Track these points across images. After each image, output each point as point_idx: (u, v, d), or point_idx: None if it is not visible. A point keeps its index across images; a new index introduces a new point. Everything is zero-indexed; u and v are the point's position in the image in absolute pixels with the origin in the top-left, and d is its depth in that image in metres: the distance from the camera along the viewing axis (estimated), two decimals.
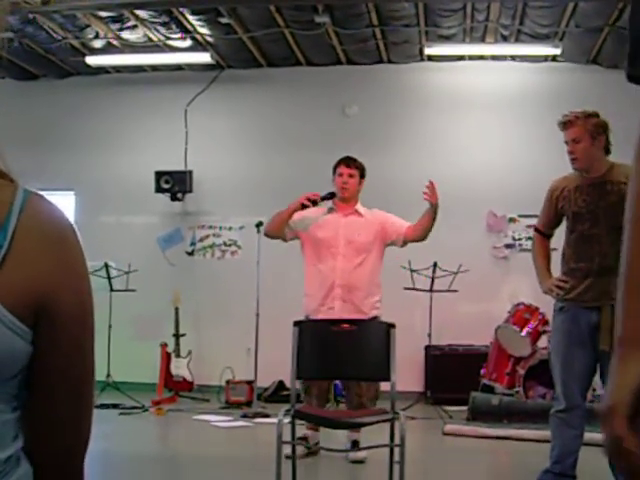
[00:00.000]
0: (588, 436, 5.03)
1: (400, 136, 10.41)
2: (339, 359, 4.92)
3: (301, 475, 4.88)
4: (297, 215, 6.28)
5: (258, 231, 8.51)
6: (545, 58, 10.24)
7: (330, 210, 6.33)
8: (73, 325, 1.27)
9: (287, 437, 6.15)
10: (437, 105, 10.46)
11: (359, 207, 6.38)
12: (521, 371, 8.49)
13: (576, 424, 4.81)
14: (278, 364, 9.09)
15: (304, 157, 10.00)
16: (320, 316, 5.91)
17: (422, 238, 6.38)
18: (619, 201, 4.66)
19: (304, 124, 10.30)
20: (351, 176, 6.29)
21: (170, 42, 9.53)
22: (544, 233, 5.07)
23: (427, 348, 9.66)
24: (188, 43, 9.55)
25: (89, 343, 1.32)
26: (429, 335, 9.50)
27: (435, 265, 9.40)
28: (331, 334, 4.95)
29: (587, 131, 4.78)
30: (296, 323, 4.89)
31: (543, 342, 8.60)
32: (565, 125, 4.86)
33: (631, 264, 1.58)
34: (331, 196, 6.32)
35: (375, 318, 6.02)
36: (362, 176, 6.39)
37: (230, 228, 10.42)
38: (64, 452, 1.32)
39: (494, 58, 10.31)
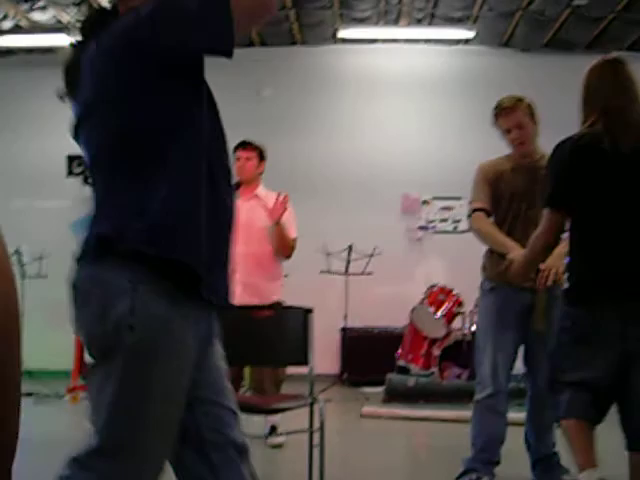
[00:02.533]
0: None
1: (314, 118, 10.41)
2: (255, 345, 4.90)
3: None
4: None
5: None
6: (458, 41, 10.34)
7: None
8: None
9: None
10: (351, 88, 10.48)
11: (259, 191, 6.24)
12: (436, 352, 8.59)
13: (502, 409, 4.81)
14: None
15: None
16: None
17: (285, 257, 6.14)
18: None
19: (219, 106, 10.21)
20: (248, 159, 6.16)
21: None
22: (487, 211, 4.85)
23: (343, 330, 9.70)
24: None
25: (15, 335, 1.27)
26: (345, 317, 9.54)
27: (350, 248, 9.43)
28: (246, 320, 4.92)
29: (528, 115, 4.76)
30: None
31: (458, 323, 8.71)
32: (507, 111, 4.77)
33: None
34: (237, 186, 6.18)
35: (277, 303, 5.96)
36: (262, 158, 6.24)
37: None
38: None
39: (408, 41, 10.36)
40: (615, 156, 3.67)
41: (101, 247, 2.27)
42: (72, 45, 2.49)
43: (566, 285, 3.94)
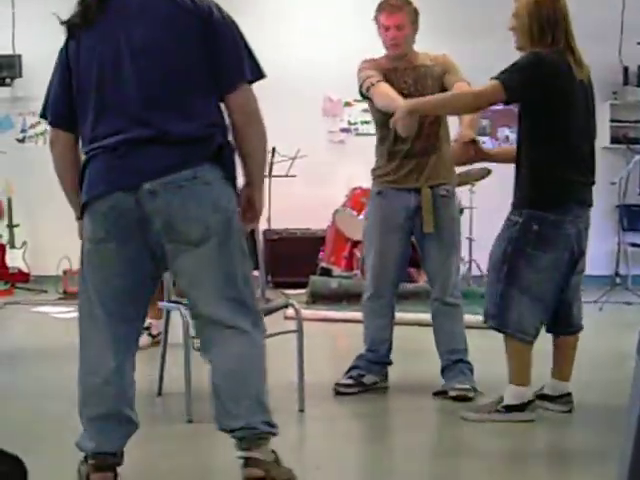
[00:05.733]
0: (400, 316, 5.17)
1: (236, 18, 10.23)
2: None
3: (152, 362, 4.87)
4: None
5: None
6: None
7: None
8: None
9: None
10: None
11: None
12: (359, 254, 8.68)
13: (385, 313, 4.91)
14: None
15: None
16: None
17: None
18: (434, 84, 4.78)
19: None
20: None
21: None
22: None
23: (265, 232, 9.74)
24: None
25: None
26: (268, 220, 9.58)
27: (274, 150, 9.42)
28: None
29: (409, 18, 4.75)
30: None
31: None
32: (393, 9, 4.73)
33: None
34: None
35: None
36: None
37: None
38: None
39: None
40: (578, 80, 4.13)
41: None
42: None
43: (527, 191, 4.17)
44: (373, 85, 4.68)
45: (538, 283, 4.16)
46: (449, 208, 4.88)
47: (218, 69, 3.10)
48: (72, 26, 3.10)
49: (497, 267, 4.20)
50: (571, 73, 4.11)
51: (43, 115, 3.21)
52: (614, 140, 10.55)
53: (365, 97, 4.86)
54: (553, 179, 4.12)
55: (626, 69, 10.61)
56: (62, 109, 3.16)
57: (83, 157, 3.14)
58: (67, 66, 3.13)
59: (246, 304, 3.13)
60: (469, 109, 4.37)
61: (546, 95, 4.06)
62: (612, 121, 10.57)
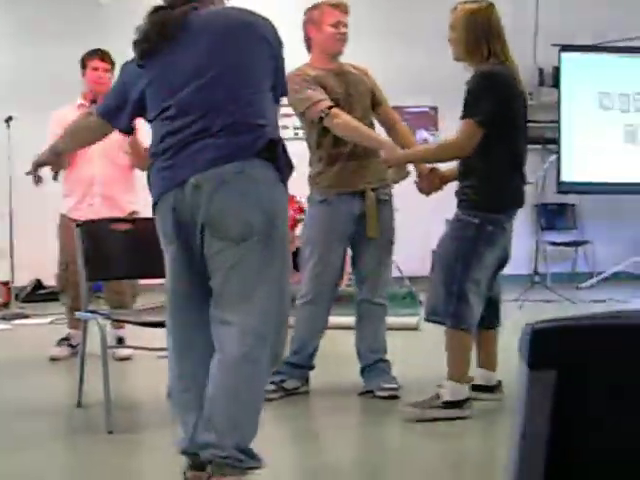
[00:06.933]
0: (336, 320, 5.18)
1: None
2: (123, 258, 4.83)
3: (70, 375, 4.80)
4: (61, 130, 5.84)
5: (8, 126, 8.20)
6: None
7: (80, 107, 5.91)
8: None
9: (48, 339, 6.08)
10: None
11: None
12: None
13: (321, 319, 4.91)
14: (35, 263, 8.86)
15: (56, 51, 9.47)
16: (79, 214, 5.68)
17: (142, 169, 5.60)
18: (365, 93, 4.82)
19: (54, 16, 9.80)
20: (106, 70, 5.96)
21: None
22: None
23: None
24: None
25: None
26: None
27: None
28: (111, 233, 4.84)
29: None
30: (78, 225, 4.70)
31: (299, 230, 8.76)
32: (344, 8, 4.80)
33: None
34: (94, 103, 5.86)
35: (134, 213, 5.91)
36: (113, 68, 6.03)
37: None
38: None
39: None
40: (519, 90, 4.38)
41: None
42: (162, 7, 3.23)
43: (481, 196, 4.33)
44: (328, 115, 4.60)
45: (485, 278, 4.35)
46: (389, 211, 4.92)
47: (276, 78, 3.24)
48: (145, 43, 3.18)
49: (450, 265, 4.32)
50: (515, 84, 4.31)
51: (106, 117, 3.42)
52: (531, 140, 10.58)
53: (302, 114, 4.75)
54: (503, 185, 4.33)
55: (541, 70, 10.76)
56: (111, 108, 3.39)
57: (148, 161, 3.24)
58: (130, 81, 3.27)
59: (266, 321, 3.04)
60: (459, 158, 4.44)
61: (502, 110, 4.21)
62: (528, 121, 10.68)
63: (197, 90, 3.08)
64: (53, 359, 5.90)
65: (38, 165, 3.78)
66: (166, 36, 3.15)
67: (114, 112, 3.38)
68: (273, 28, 3.25)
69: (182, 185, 3.01)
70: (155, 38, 3.14)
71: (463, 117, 4.21)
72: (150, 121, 3.23)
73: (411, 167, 4.66)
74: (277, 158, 3.07)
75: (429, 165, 4.69)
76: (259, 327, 3.01)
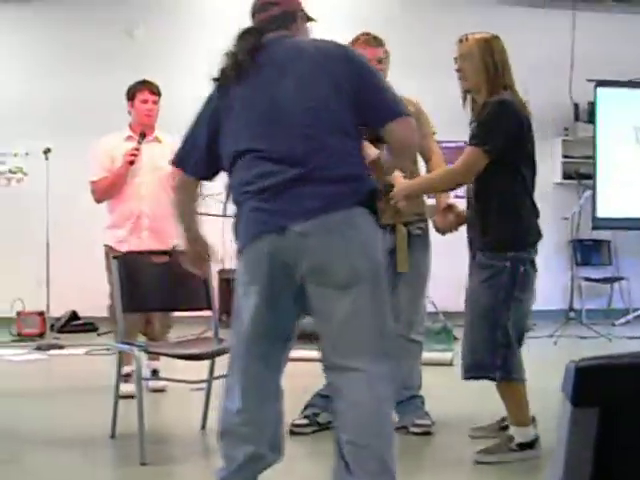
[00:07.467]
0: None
1: (189, 56, 10.21)
2: (160, 291, 4.85)
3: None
4: (109, 160, 5.94)
5: (46, 158, 8.24)
6: None
7: (128, 139, 5.97)
8: None
9: (82, 370, 6.09)
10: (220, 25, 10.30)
11: (158, 133, 6.07)
12: None
13: None
14: (70, 294, 8.92)
15: (92, 80, 9.59)
16: (127, 247, 5.70)
17: None
18: None
19: (89, 45, 9.91)
20: (155, 102, 5.99)
21: None
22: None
23: (220, 272, 9.68)
24: None
25: None
26: (222, 260, 9.52)
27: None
28: (149, 266, 4.86)
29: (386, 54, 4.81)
30: (114, 257, 4.74)
31: None
32: (375, 42, 4.68)
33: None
34: (143, 137, 5.93)
35: (176, 247, 5.88)
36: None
37: (16, 154, 9.98)
38: None
39: None
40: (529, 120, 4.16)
41: None
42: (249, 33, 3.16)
43: (504, 234, 4.14)
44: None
45: (524, 324, 4.24)
46: (421, 246, 4.84)
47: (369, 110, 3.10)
48: (225, 79, 3.15)
49: (489, 315, 4.12)
50: (527, 114, 4.14)
51: (179, 164, 3.28)
52: (566, 176, 10.65)
53: None
54: (524, 220, 4.15)
55: (576, 106, 10.74)
56: (199, 160, 3.24)
57: (232, 203, 3.16)
58: (213, 118, 3.18)
59: (386, 355, 3.07)
60: (461, 185, 4.34)
61: (517, 143, 4.07)
62: (564, 157, 10.67)
63: (295, 133, 3.02)
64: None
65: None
66: (256, 64, 3.09)
67: (187, 160, 3.30)
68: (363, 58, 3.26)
69: (281, 231, 2.96)
70: (246, 65, 3.09)
71: (470, 144, 4.09)
72: (232, 158, 3.12)
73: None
74: (375, 207, 3.05)
75: (448, 201, 4.59)
76: (382, 369, 3.03)
